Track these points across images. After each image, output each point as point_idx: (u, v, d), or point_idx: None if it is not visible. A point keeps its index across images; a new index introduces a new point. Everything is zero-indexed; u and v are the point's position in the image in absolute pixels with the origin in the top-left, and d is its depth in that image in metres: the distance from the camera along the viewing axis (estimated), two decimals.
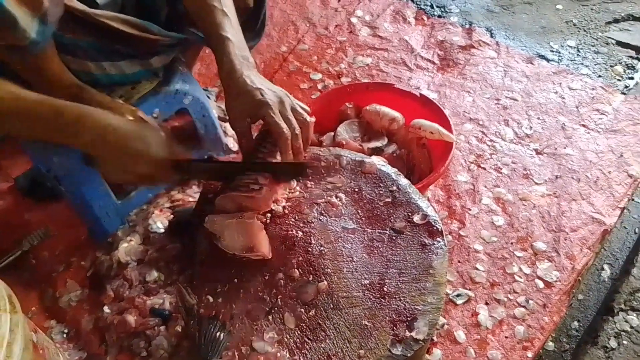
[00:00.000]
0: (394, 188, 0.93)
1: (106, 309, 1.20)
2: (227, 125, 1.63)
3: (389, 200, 0.92)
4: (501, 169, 1.47)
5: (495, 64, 1.77)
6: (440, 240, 0.85)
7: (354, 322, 0.78)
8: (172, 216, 1.35)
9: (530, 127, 1.57)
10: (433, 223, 0.87)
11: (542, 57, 1.79)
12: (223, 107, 1.69)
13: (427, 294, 0.79)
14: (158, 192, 1.41)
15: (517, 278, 1.24)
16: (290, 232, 0.88)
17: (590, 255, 1.28)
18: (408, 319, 0.76)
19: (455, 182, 1.44)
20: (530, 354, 1.13)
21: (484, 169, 1.47)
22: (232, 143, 1.57)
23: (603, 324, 1.31)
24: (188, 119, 1.61)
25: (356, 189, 0.94)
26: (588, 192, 1.39)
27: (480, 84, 1.71)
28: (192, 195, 1.45)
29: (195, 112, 1.39)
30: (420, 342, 0.75)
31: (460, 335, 1.14)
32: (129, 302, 1.20)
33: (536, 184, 1.43)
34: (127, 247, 1.30)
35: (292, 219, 0.90)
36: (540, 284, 1.22)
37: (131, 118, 1.02)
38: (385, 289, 0.80)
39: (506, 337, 1.15)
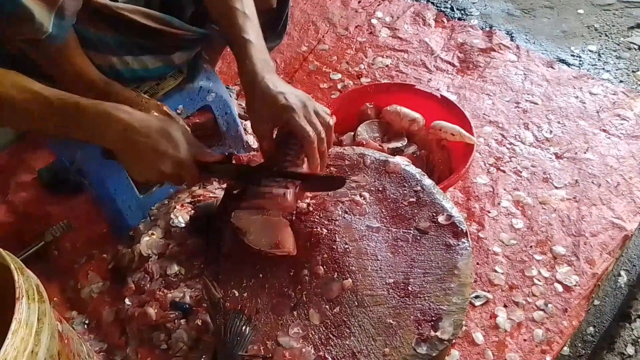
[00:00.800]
0: (418, 188, 0.94)
1: (127, 301, 1.22)
2: (248, 123, 1.64)
3: (413, 200, 0.92)
4: (521, 172, 1.46)
5: (515, 67, 1.77)
6: (465, 242, 0.85)
7: (378, 320, 0.78)
8: (193, 211, 1.37)
9: (551, 131, 1.56)
10: (458, 224, 0.88)
11: (563, 61, 1.79)
12: (244, 105, 1.70)
13: (452, 295, 0.79)
14: (180, 187, 1.43)
15: (536, 281, 1.23)
16: (315, 230, 0.89)
17: (610, 261, 1.27)
18: (433, 318, 0.77)
19: (475, 184, 1.44)
20: (548, 358, 1.12)
21: (504, 171, 1.47)
22: (252, 141, 1.58)
23: (619, 331, 1.30)
24: (209, 116, 1.62)
25: (380, 188, 0.95)
26: (608, 198, 1.38)
27: (500, 86, 1.71)
28: (212, 191, 1.47)
29: (217, 110, 1.40)
30: (445, 342, 0.75)
31: (479, 337, 1.14)
32: (149, 295, 1.22)
33: (556, 187, 1.42)
34: (149, 241, 1.31)
35: (317, 217, 0.91)
36: (560, 288, 1.22)
37: (157, 114, 1.02)
38: (409, 288, 0.81)
39: (525, 340, 1.15)
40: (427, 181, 0.95)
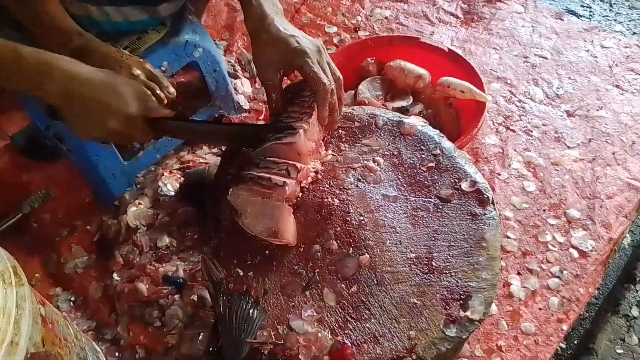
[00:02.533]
0: (437, 152, 0.85)
1: (115, 276, 1.14)
2: (238, 82, 1.53)
3: (433, 165, 0.83)
4: (531, 131, 1.38)
5: (522, 19, 1.66)
6: (492, 210, 0.77)
7: (401, 300, 0.71)
8: (182, 179, 1.27)
9: (561, 88, 1.47)
10: (483, 191, 0.79)
11: (572, 12, 1.68)
12: (233, 61, 1.58)
13: (480, 270, 0.72)
14: (166, 152, 1.32)
15: (550, 247, 1.17)
16: (326, 200, 0.80)
17: (627, 224, 1.21)
18: (462, 297, 0.69)
19: (483, 145, 1.36)
20: (565, 327, 1.07)
21: (513, 131, 1.39)
22: (243, 101, 1.47)
23: (624, 292, 1.26)
24: (195, 75, 1.50)
25: (395, 153, 0.86)
26: (623, 157, 1.31)
27: (507, 40, 1.60)
28: (202, 156, 1.37)
29: (205, 67, 1.28)
30: (476, 322, 0.68)
31: (492, 306, 1.08)
32: (139, 269, 1.14)
33: (568, 147, 1.35)
34: (136, 211, 1.22)
35: (327, 185, 0.82)
36: (575, 254, 1.16)
37: (138, 72, 0.92)
38: (433, 263, 0.73)
39: (540, 309, 1.09)
40: (447, 144, 0.86)
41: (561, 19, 1.65)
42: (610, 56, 1.54)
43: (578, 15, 1.66)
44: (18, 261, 0.73)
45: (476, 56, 1.56)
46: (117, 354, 1.07)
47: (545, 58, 1.55)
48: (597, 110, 1.42)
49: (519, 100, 1.45)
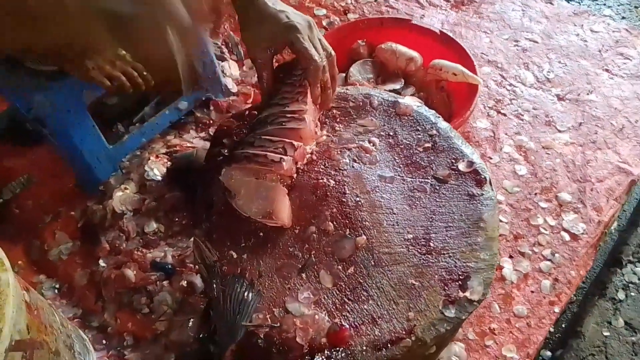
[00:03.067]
0: (434, 132, 0.83)
1: (102, 263, 1.12)
2: (225, 64, 1.49)
3: (429, 145, 0.82)
4: (522, 115, 1.38)
5: (512, 3, 1.65)
6: (490, 190, 0.76)
7: (399, 281, 0.69)
8: (170, 163, 1.24)
9: (552, 71, 1.47)
10: (480, 171, 0.78)
11: None
12: (219, 43, 1.54)
13: (479, 250, 0.71)
14: (152, 136, 1.29)
15: (542, 230, 1.17)
16: (321, 181, 0.78)
17: (617, 207, 1.22)
18: (460, 277, 0.68)
19: (475, 128, 1.35)
20: (557, 309, 1.07)
21: (504, 115, 1.38)
22: (231, 84, 1.44)
23: (611, 276, 1.28)
24: None
25: (391, 133, 0.84)
26: (614, 141, 1.32)
27: (497, 23, 1.59)
28: (189, 140, 1.34)
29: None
30: (475, 303, 0.67)
31: None
32: (126, 256, 1.11)
33: (559, 131, 1.34)
34: (122, 196, 1.19)
35: (322, 166, 0.80)
36: (566, 237, 1.16)
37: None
38: (431, 244, 0.72)
39: (532, 292, 1.09)
40: (443, 124, 0.84)
41: (551, 3, 1.65)
42: (599, 40, 1.54)
43: (568, 0, 1.65)
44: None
45: (467, 40, 1.55)
46: (104, 341, 1.04)
47: (536, 42, 1.54)
48: (587, 94, 1.42)
49: (510, 84, 1.45)
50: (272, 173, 0.74)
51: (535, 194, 1.23)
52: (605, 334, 1.16)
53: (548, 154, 1.30)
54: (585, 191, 1.23)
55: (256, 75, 0.90)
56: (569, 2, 1.64)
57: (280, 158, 0.73)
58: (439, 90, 1.32)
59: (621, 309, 1.21)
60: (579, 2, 1.65)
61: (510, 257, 1.14)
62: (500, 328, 1.04)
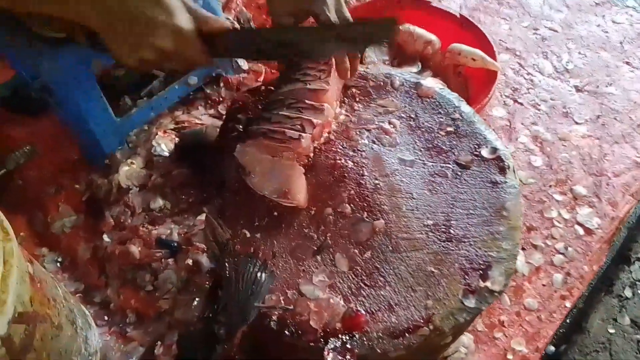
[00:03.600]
0: (457, 116, 0.80)
1: (106, 238, 1.09)
2: None
3: (451, 129, 0.79)
4: (539, 105, 1.34)
5: None
6: (513, 178, 0.73)
7: (417, 268, 0.67)
8: (178, 139, 1.21)
9: (571, 62, 1.43)
10: (504, 158, 0.75)
11: None
12: (231, 19, 1.50)
13: (501, 239, 0.68)
14: (160, 111, 1.26)
15: (555, 223, 1.15)
16: (339, 161, 0.75)
17: (633, 203, 1.19)
18: (482, 266, 0.66)
19: (491, 117, 1.32)
20: (568, 304, 1.06)
21: (521, 104, 1.35)
22: (242, 61, 1.40)
23: (618, 273, 1.25)
24: None
25: (412, 115, 0.81)
26: (632, 135, 1.29)
27: (517, 10, 1.55)
28: (197, 117, 1.31)
29: None
30: (496, 293, 0.65)
31: None
32: (131, 231, 1.09)
33: (576, 123, 1.31)
34: (128, 171, 1.16)
35: (340, 146, 0.77)
36: (580, 231, 1.14)
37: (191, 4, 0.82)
38: (452, 231, 0.69)
39: (543, 285, 1.07)
40: (466, 108, 0.81)
41: None
42: (621, 32, 1.50)
43: None
44: None
45: (485, 25, 1.50)
46: (106, 317, 1.02)
47: (556, 31, 1.51)
48: (607, 86, 1.38)
49: (528, 73, 1.41)
50: (288, 151, 0.71)
51: (550, 186, 1.21)
52: (611, 331, 1.14)
53: (564, 145, 1.27)
54: (601, 185, 1.20)
55: None
56: None
57: (299, 135, 0.70)
58: (456, 75, 1.29)
59: (627, 306, 1.19)
60: None
61: (523, 249, 1.11)
62: (510, 321, 1.02)
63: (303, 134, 0.71)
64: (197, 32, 0.70)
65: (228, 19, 1.27)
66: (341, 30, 0.74)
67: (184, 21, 0.68)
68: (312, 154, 0.75)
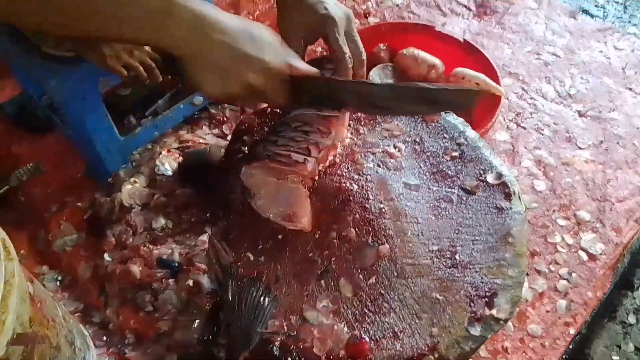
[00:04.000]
0: (462, 140, 0.80)
1: (107, 257, 1.08)
2: None
3: (457, 154, 0.79)
4: (542, 129, 1.35)
5: (536, 16, 1.63)
6: (519, 205, 0.73)
7: (422, 295, 0.66)
8: (181, 158, 1.21)
9: (573, 87, 1.44)
10: (509, 184, 0.75)
11: (586, 11, 1.65)
12: None
13: (506, 267, 0.68)
14: (164, 130, 1.26)
15: (559, 248, 1.14)
16: (344, 185, 0.75)
17: (637, 229, 1.19)
18: (487, 294, 0.65)
19: (493, 140, 1.32)
20: (572, 331, 1.04)
21: (524, 128, 1.35)
22: None
23: (622, 299, 1.24)
24: None
25: (417, 140, 0.81)
26: (635, 161, 1.29)
27: (519, 35, 1.57)
28: (202, 136, 1.31)
29: None
30: (502, 322, 0.64)
31: None
32: (132, 251, 1.08)
33: (580, 148, 1.32)
34: (131, 189, 1.16)
35: (345, 169, 0.77)
36: (584, 256, 1.13)
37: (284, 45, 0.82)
38: (457, 257, 0.69)
39: (547, 312, 1.06)
40: (472, 133, 0.81)
41: (575, 18, 1.62)
42: (623, 58, 1.51)
43: (592, 15, 1.63)
44: None
45: (488, 50, 1.51)
46: (104, 338, 1.01)
47: (558, 56, 1.52)
48: (609, 112, 1.39)
49: (531, 98, 1.42)
50: (294, 174, 0.71)
51: (554, 210, 1.20)
52: (614, 358, 1.12)
53: (567, 170, 1.28)
54: (605, 211, 1.20)
55: None
56: (593, 18, 1.61)
57: (305, 159, 0.70)
58: None
59: (631, 333, 1.17)
60: (603, 19, 1.62)
61: (526, 274, 1.10)
62: (513, 347, 1.01)
63: (308, 158, 0.71)
64: (285, 73, 0.70)
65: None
66: (427, 93, 0.73)
67: (279, 62, 0.68)
68: (317, 177, 0.75)
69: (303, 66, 0.71)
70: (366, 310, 0.65)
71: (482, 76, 1.22)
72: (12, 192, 1.16)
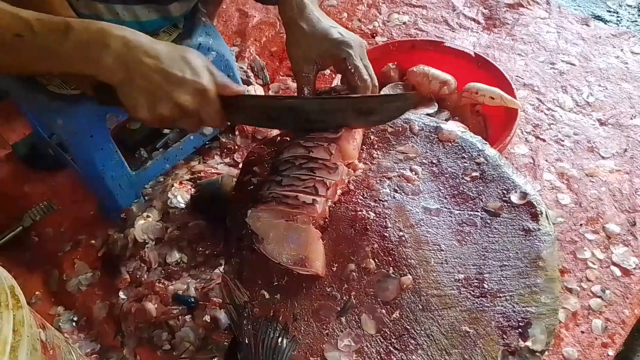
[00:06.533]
0: (481, 160, 0.77)
1: (122, 295, 1.07)
2: (250, 88, 1.46)
3: (477, 174, 0.75)
4: (562, 140, 1.30)
5: (547, 25, 1.59)
6: (547, 225, 0.69)
7: (451, 328, 0.62)
8: (194, 190, 1.20)
9: (592, 95, 1.40)
10: (535, 203, 0.71)
11: (599, 18, 1.62)
12: (245, 68, 1.51)
13: (539, 293, 0.63)
14: (176, 162, 1.25)
15: (590, 264, 1.09)
16: (360, 213, 0.71)
17: None
18: (520, 324, 0.61)
19: (513, 154, 1.28)
20: (611, 352, 0.98)
21: (544, 140, 1.31)
22: None
23: None
24: None
25: (434, 161, 0.78)
26: None
27: (532, 46, 1.54)
28: (214, 166, 1.30)
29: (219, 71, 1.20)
30: (538, 354, 0.59)
31: None
32: (147, 287, 1.06)
33: (603, 157, 1.27)
34: (144, 224, 1.14)
35: (360, 196, 0.74)
36: (617, 272, 1.08)
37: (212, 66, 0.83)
38: (485, 285, 0.65)
39: (582, 332, 1.01)
40: (491, 151, 0.78)
41: (587, 25, 1.59)
42: None
43: (605, 21, 1.59)
44: (17, 278, 0.65)
45: (500, 62, 1.49)
46: None
47: (573, 64, 1.48)
48: (631, 118, 1.34)
49: (548, 108, 1.38)
50: (303, 215, 0.67)
51: (581, 224, 1.15)
52: None
53: (592, 181, 1.23)
54: (636, 222, 1.15)
55: (296, 93, 0.86)
56: (606, 24, 1.58)
57: (313, 200, 0.67)
58: (474, 114, 1.26)
59: None
60: (617, 24, 1.58)
61: None
62: None
63: (317, 198, 0.67)
64: (217, 94, 0.70)
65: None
66: (357, 102, 0.75)
67: (208, 81, 0.69)
68: (328, 217, 0.72)
69: (233, 86, 0.72)
70: (391, 348, 0.61)
71: (497, 90, 1.19)
72: (26, 232, 1.15)
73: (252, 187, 0.76)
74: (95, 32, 0.64)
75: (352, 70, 0.77)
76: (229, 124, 0.94)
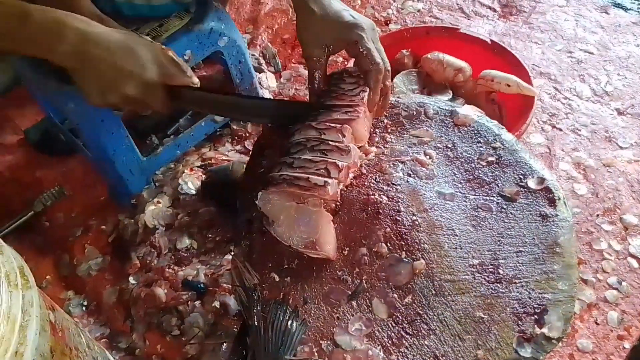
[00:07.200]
0: (497, 144, 0.75)
1: (132, 280, 1.07)
2: (262, 76, 1.45)
3: (493, 159, 0.73)
4: (579, 130, 1.28)
5: (564, 13, 1.56)
6: (565, 211, 0.67)
7: (464, 314, 0.61)
8: (204, 176, 1.19)
9: (610, 84, 1.37)
10: (553, 189, 0.69)
11: (619, 5, 1.58)
12: (257, 55, 1.50)
13: (556, 279, 0.62)
14: (187, 149, 1.24)
15: (606, 255, 1.07)
16: (372, 196, 0.70)
17: None
18: (536, 310, 0.59)
19: (528, 144, 1.26)
20: (627, 345, 0.96)
21: (560, 129, 1.28)
22: (268, 96, 1.39)
23: None
24: (217, 68, 1.42)
25: (449, 145, 0.76)
26: None
27: (549, 34, 1.50)
28: (224, 153, 1.29)
29: (230, 57, 1.20)
30: (554, 340, 0.58)
31: None
32: (157, 273, 1.06)
33: (621, 148, 1.24)
34: (154, 210, 1.14)
35: (373, 180, 0.72)
36: (634, 263, 1.05)
37: (161, 58, 0.85)
38: (500, 271, 0.63)
39: (597, 324, 0.99)
40: (508, 136, 0.76)
41: (607, 13, 1.55)
42: None
43: (625, 9, 1.55)
44: (28, 262, 0.65)
45: (517, 50, 1.46)
46: None
47: (591, 53, 1.45)
48: None
49: (565, 97, 1.35)
50: (314, 197, 0.66)
51: (597, 215, 1.13)
52: None
53: (610, 172, 1.20)
54: None
55: (307, 79, 0.85)
56: (626, 12, 1.54)
57: (325, 182, 0.65)
58: (489, 102, 1.23)
59: None
60: (639, 12, 1.54)
61: None
62: None
63: (329, 180, 0.65)
64: (163, 85, 0.76)
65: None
66: (270, 108, 0.86)
67: (152, 74, 0.74)
68: (339, 200, 0.71)
69: (179, 77, 0.77)
70: (403, 333, 0.60)
71: (513, 77, 1.16)
72: (37, 217, 1.16)
73: (262, 170, 0.75)
74: (51, 22, 0.69)
75: (365, 53, 0.75)
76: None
